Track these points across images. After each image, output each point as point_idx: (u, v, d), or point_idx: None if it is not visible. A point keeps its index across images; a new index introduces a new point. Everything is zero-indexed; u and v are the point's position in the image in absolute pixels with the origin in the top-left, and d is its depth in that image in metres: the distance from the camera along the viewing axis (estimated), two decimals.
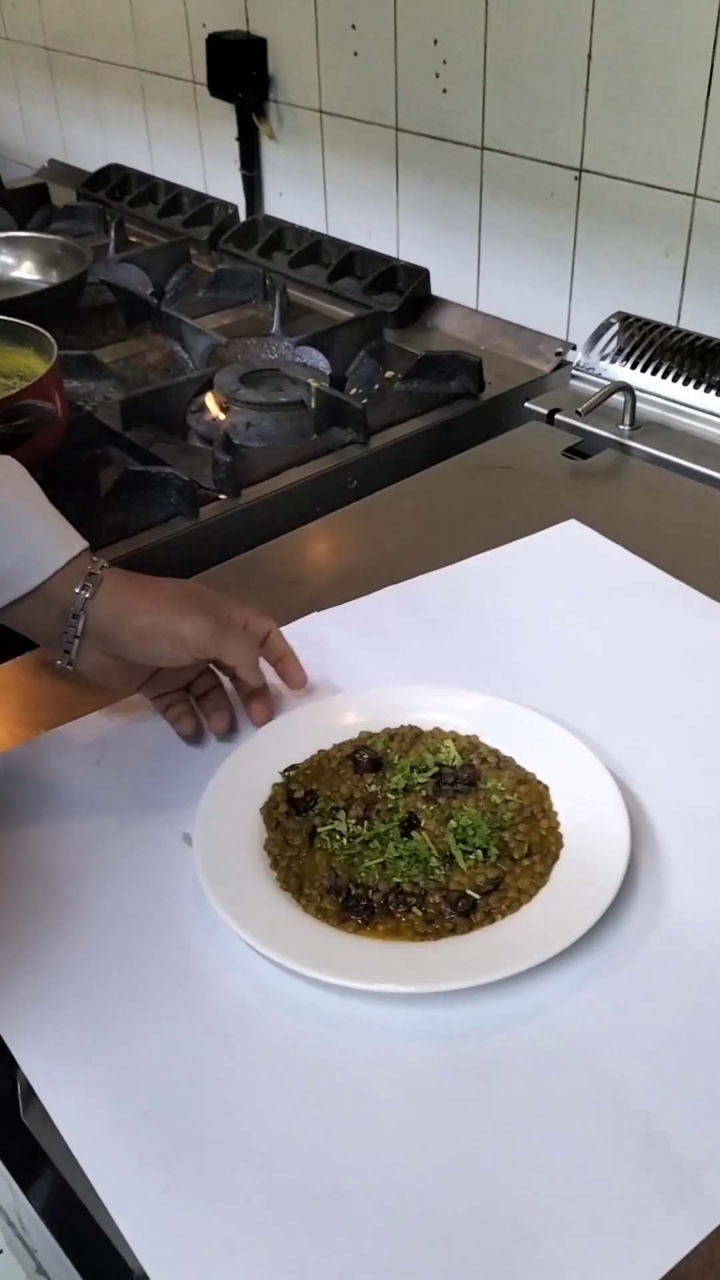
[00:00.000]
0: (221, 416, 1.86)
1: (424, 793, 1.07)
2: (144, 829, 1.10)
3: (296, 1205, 0.79)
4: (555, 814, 1.06)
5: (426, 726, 1.16)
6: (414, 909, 0.96)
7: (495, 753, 1.12)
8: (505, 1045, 0.88)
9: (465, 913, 0.96)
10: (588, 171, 1.89)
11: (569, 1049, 0.87)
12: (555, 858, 1.01)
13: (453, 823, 1.03)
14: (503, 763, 1.11)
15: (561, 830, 1.04)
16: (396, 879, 0.99)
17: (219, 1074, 0.87)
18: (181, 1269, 0.75)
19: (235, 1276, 0.75)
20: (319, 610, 1.38)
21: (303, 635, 1.33)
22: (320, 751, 1.13)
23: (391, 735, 1.14)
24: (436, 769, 1.09)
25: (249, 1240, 0.77)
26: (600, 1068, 0.86)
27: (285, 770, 1.11)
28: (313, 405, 1.81)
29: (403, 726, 1.16)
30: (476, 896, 0.97)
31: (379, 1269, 0.75)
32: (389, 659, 1.30)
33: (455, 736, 1.14)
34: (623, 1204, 0.78)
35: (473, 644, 1.32)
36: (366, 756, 1.10)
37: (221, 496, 1.65)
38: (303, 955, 0.92)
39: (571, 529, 1.53)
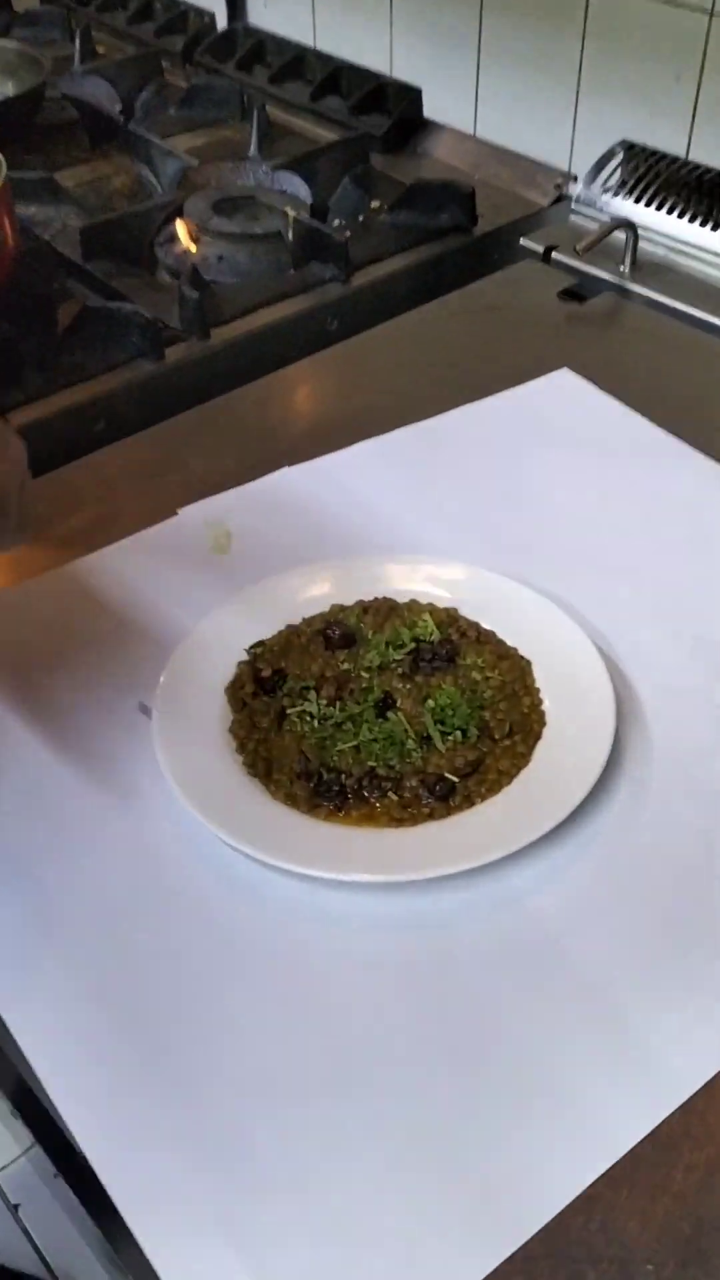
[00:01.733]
0: (192, 248, 1.72)
1: (400, 670, 1.01)
2: (101, 694, 1.05)
3: (256, 1096, 0.77)
4: (538, 691, 1.00)
5: (403, 599, 1.10)
6: (389, 794, 0.92)
7: (475, 626, 1.06)
8: (474, 933, 0.85)
9: (443, 796, 0.92)
10: None
11: (539, 938, 0.85)
12: (537, 737, 0.97)
13: (430, 702, 0.97)
14: (483, 637, 1.05)
15: (544, 708, 0.99)
16: (371, 763, 0.94)
17: (176, 962, 0.84)
18: (135, 1170, 0.73)
19: (193, 1169, 0.73)
20: (290, 464, 1.30)
21: (272, 492, 1.26)
22: (289, 627, 1.07)
23: (365, 608, 1.08)
24: (413, 645, 1.03)
25: (205, 1132, 0.75)
26: (570, 958, 0.83)
27: (251, 647, 1.05)
28: (290, 237, 1.67)
29: (377, 599, 1.09)
30: (455, 780, 0.93)
31: (340, 1161, 0.73)
32: (364, 520, 1.22)
33: (433, 609, 1.08)
34: (588, 1088, 0.76)
35: (454, 505, 1.25)
36: (338, 632, 1.04)
37: (189, 337, 1.54)
38: (271, 844, 0.88)
39: (563, 379, 1.43)
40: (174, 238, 1.72)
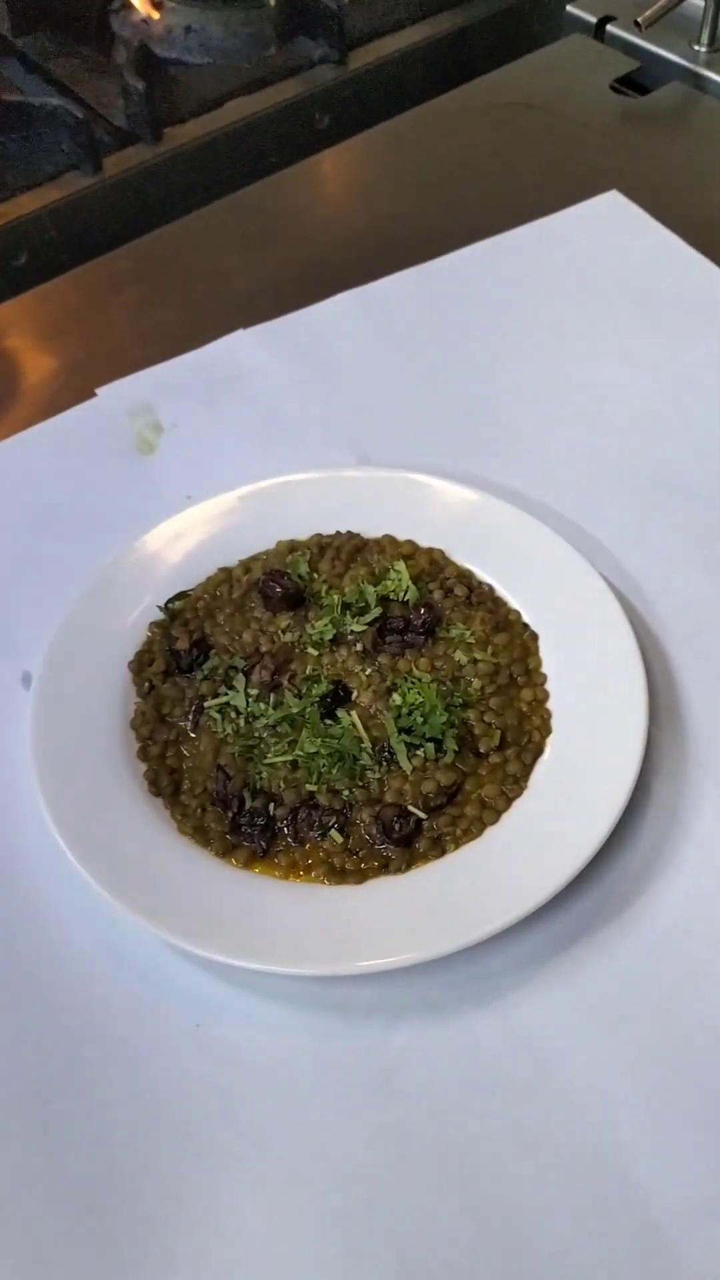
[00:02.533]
0: (153, 14, 1.36)
1: (360, 647, 0.75)
2: None
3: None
4: (543, 680, 0.74)
5: (374, 531, 0.82)
6: (332, 832, 0.68)
7: (466, 579, 0.79)
8: (432, 1059, 0.62)
9: (405, 840, 0.67)
10: None
11: (528, 1060, 0.62)
12: (538, 750, 0.71)
13: (395, 698, 0.71)
14: (476, 595, 0.78)
15: (550, 706, 0.73)
16: (310, 786, 0.69)
17: (40, 1046, 0.64)
18: None
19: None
20: (246, 325, 1.00)
21: (218, 364, 0.97)
22: (221, 571, 0.81)
23: (322, 547, 0.81)
24: (379, 610, 0.76)
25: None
26: (566, 1095, 0.60)
27: (170, 601, 0.79)
28: (273, 1, 1.31)
29: (340, 534, 0.82)
30: (423, 815, 0.68)
31: None
32: (335, 408, 0.94)
33: (412, 551, 0.81)
34: None
35: (453, 384, 0.96)
36: (280, 588, 0.77)
37: (134, 141, 1.21)
38: (162, 905, 0.64)
39: (611, 205, 1.10)
40: (130, 3, 1.35)
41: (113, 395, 0.95)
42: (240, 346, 0.99)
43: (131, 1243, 0.57)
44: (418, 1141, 0.60)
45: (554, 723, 0.72)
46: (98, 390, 0.96)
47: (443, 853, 0.67)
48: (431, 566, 0.79)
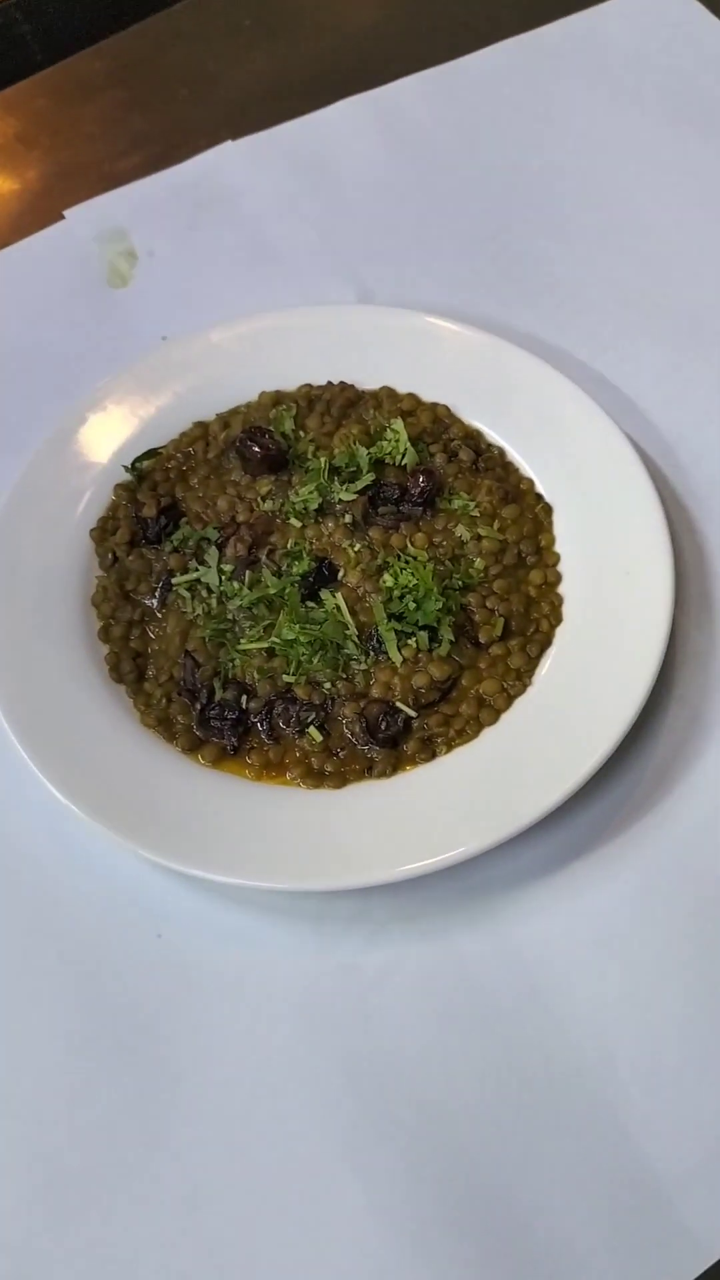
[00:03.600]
0: None
1: (348, 519, 0.66)
2: None
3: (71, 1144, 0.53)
4: (556, 560, 0.66)
5: (371, 382, 0.72)
6: (311, 728, 0.60)
7: (474, 439, 0.70)
8: (412, 983, 0.57)
9: (391, 740, 0.60)
10: None
11: (522, 985, 0.56)
12: (546, 641, 0.63)
13: (386, 579, 0.63)
14: (484, 460, 0.68)
15: (562, 590, 0.65)
16: (288, 677, 0.62)
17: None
18: None
19: None
20: (234, 137, 0.87)
21: (201, 183, 0.86)
22: (196, 427, 0.71)
23: (310, 399, 0.71)
24: (372, 476, 0.67)
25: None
26: (559, 1021, 0.55)
27: (138, 460, 0.70)
28: None
29: (332, 385, 0.72)
30: (412, 713, 0.61)
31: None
32: (330, 235, 0.83)
33: (413, 407, 0.71)
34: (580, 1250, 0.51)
35: (469, 207, 0.85)
36: (261, 449, 0.68)
37: None
38: (120, 808, 0.58)
39: None
40: None
41: (82, 218, 0.84)
42: (227, 161, 0.87)
43: (80, 1170, 0.53)
44: (393, 1076, 0.54)
45: (565, 610, 0.64)
46: (65, 212, 0.85)
47: (433, 756, 0.60)
48: (435, 425, 0.70)
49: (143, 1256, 0.51)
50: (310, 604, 0.64)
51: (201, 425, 0.71)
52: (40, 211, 0.85)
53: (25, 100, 0.94)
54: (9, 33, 1.03)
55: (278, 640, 0.62)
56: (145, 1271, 0.51)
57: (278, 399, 0.72)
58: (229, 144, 0.87)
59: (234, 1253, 0.51)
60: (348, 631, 0.62)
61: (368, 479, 0.67)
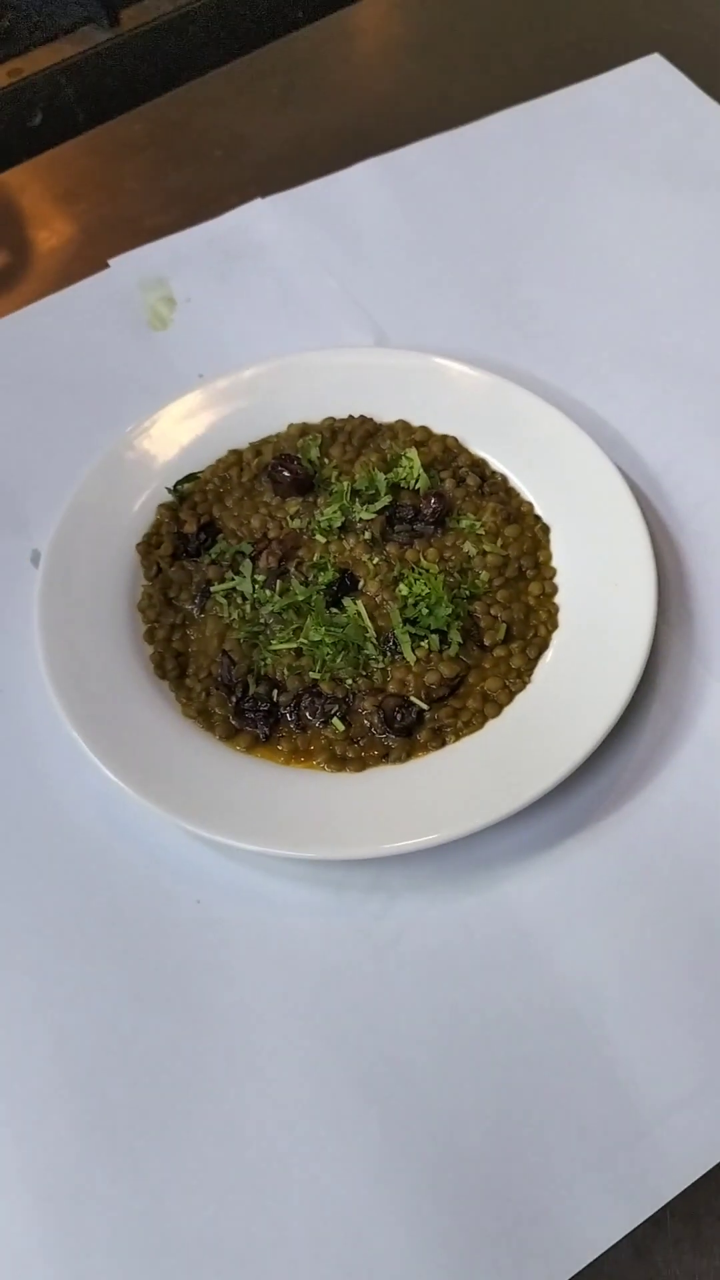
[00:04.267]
0: None
1: (368, 535, 0.74)
2: None
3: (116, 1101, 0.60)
4: (553, 574, 0.74)
5: (388, 415, 0.81)
6: (334, 720, 0.68)
7: (480, 467, 0.78)
8: (424, 941, 0.64)
9: (406, 730, 0.68)
10: None
11: (521, 946, 0.64)
12: (544, 645, 0.71)
13: (402, 588, 0.71)
14: (489, 486, 0.77)
15: (558, 600, 0.73)
16: (314, 673, 0.69)
17: (42, 917, 0.66)
18: None
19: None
20: (263, 194, 0.97)
21: (235, 235, 0.94)
22: (231, 454, 0.80)
23: (334, 431, 0.80)
24: (389, 498, 0.75)
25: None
26: (557, 973, 0.62)
27: (179, 483, 0.78)
28: None
29: (353, 418, 0.80)
30: (424, 707, 0.68)
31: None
32: (350, 284, 0.91)
33: (425, 438, 0.79)
34: (561, 1177, 0.58)
35: (476, 260, 0.93)
36: (290, 473, 0.76)
37: None
38: (164, 787, 0.65)
39: (652, 70, 1.04)
40: None
41: (125, 267, 0.93)
42: (257, 216, 0.96)
43: (126, 1105, 0.60)
44: (407, 1019, 0.61)
45: (561, 618, 0.72)
46: (110, 261, 0.93)
47: (443, 744, 0.68)
48: (444, 454, 0.78)
49: (174, 1188, 0.58)
50: (334, 610, 0.72)
51: (236, 453, 0.80)
52: (86, 260, 0.94)
53: (71, 159, 1.04)
54: (55, 96, 1.13)
55: (305, 641, 0.70)
56: (175, 1207, 0.57)
57: (304, 430, 0.80)
58: (259, 201, 0.96)
59: (263, 1181, 0.58)
60: (367, 634, 0.70)
61: (385, 500, 0.75)
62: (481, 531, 0.74)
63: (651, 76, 1.03)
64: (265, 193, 0.96)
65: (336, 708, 0.69)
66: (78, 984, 0.64)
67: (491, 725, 0.68)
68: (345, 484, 0.76)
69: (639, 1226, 0.57)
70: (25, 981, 0.64)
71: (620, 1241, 0.56)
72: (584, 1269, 0.56)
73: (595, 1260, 0.56)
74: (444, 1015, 0.62)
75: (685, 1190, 0.57)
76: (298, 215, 0.95)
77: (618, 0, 1.11)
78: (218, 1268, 0.56)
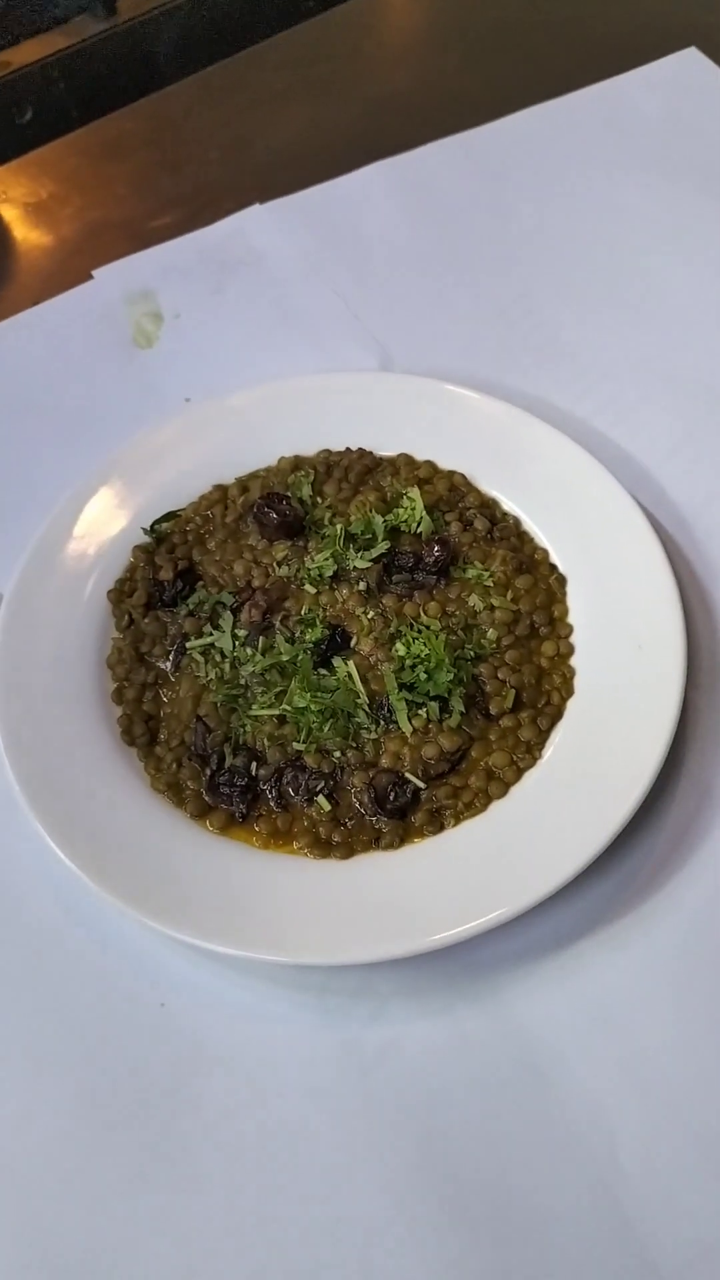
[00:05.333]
0: None
1: (363, 586, 0.67)
2: None
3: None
4: (569, 631, 0.66)
5: (389, 448, 0.73)
6: (319, 797, 0.61)
7: (490, 509, 0.70)
8: (416, 1057, 0.56)
9: (399, 811, 0.60)
10: None
11: (524, 1065, 0.56)
12: (557, 714, 0.63)
13: (399, 648, 0.63)
14: (500, 530, 0.69)
15: (574, 662, 0.65)
16: (298, 745, 0.62)
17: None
18: None
19: None
20: (262, 199, 0.89)
21: (228, 245, 0.87)
22: (216, 490, 0.72)
23: (330, 465, 0.72)
24: (387, 544, 0.67)
25: None
26: (562, 1101, 0.54)
27: (157, 522, 0.70)
28: None
29: (350, 452, 0.73)
30: (421, 785, 0.61)
31: None
32: (353, 301, 0.84)
33: (430, 475, 0.71)
34: None
35: (492, 274, 0.85)
36: (278, 514, 0.68)
37: None
38: (127, 877, 0.58)
39: (687, 64, 0.96)
40: None
41: (111, 279, 0.86)
42: (254, 224, 0.88)
43: (76, 1246, 0.53)
44: (395, 1150, 0.54)
45: (577, 682, 0.64)
46: (94, 272, 0.86)
47: (441, 828, 0.60)
48: (451, 493, 0.70)
49: None
50: (322, 671, 0.64)
51: (221, 489, 0.72)
52: (70, 270, 0.87)
53: (59, 159, 0.96)
54: (47, 90, 1.05)
55: (289, 707, 0.62)
56: None
57: (296, 464, 0.72)
58: (257, 207, 0.89)
59: None
60: (359, 700, 0.63)
61: (383, 547, 0.67)
62: (490, 583, 0.66)
63: (686, 72, 0.95)
64: (265, 198, 0.89)
65: (322, 784, 0.61)
66: (22, 1099, 0.56)
67: (496, 807, 0.61)
68: (339, 527, 0.68)
69: None
70: None
71: None
72: None
73: None
74: (437, 1145, 0.54)
75: None
76: (298, 223, 0.88)
77: None
78: None
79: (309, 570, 0.67)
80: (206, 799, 0.62)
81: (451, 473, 0.72)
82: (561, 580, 0.67)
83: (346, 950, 0.56)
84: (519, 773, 0.61)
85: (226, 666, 0.65)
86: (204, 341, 0.82)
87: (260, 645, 0.65)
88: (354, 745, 0.62)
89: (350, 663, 0.64)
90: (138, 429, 0.75)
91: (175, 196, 0.91)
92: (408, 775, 0.61)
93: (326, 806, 0.61)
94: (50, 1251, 0.53)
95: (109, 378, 0.81)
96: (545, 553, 0.69)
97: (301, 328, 0.82)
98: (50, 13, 1.06)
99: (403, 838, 0.60)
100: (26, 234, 0.92)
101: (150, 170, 0.94)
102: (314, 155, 0.92)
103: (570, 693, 0.64)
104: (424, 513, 0.68)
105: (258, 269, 0.85)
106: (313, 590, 0.67)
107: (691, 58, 0.96)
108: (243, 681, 0.64)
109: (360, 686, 0.63)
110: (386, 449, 0.73)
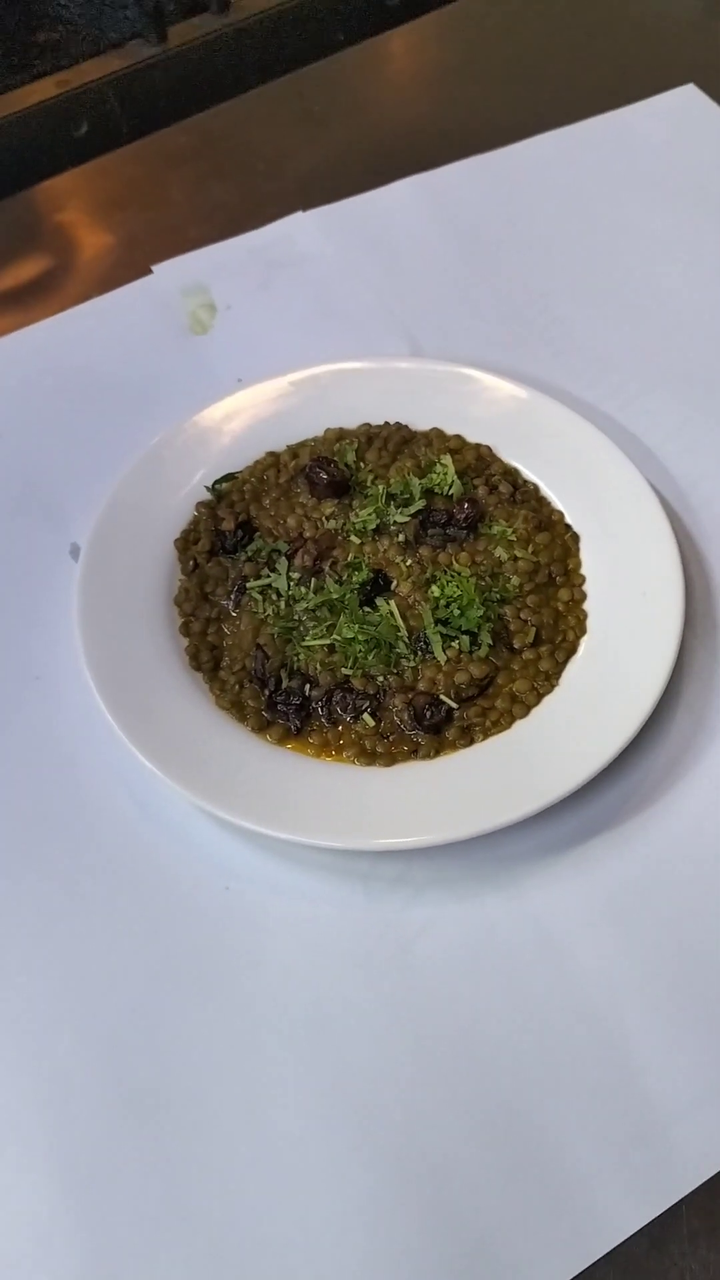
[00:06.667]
0: None
1: (401, 538, 0.76)
2: (26, 523, 0.82)
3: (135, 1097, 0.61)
4: (582, 580, 0.75)
5: (423, 423, 0.82)
6: (365, 715, 0.70)
7: (512, 475, 0.80)
8: (447, 936, 0.65)
9: (434, 728, 0.69)
10: None
11: (542, 944, 0.65)
12: (572, 649, 0.73)
13: (434, 590, 0.73)
14: (521, 494, 0.78)
15: (586, 606, 0.74)
16: (346, 670, 0.71)
17: (75, 906, 0.67)
18: None
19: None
20: (304, 208, 0.99)
21: (275, 246, 0.96)
22: (269, 456, 0.81)
23: (370, 436, 0.81)
24: (423, 503, 0.77)
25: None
26: (575, 979, 0.64)
27: (217, 482, 0.80)
28: None
29: (388, 425, 0.82)
30: (454, 705, 0.70)
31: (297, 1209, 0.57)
32: (387, 297, 0.93)
33: (459, 446, 0.81)
34: (582, 1158, 0.59)
35: (510, 277, 0.95)
36: (326, 475, 0.78)
37: (205, 7, 1.18)
38: (196, 773, 0.67)
39: (686, 100, 1.06)
40: None
41: (168, 273, 0.95)
42: (298, 229, 0.98)
43: (149, 1086, 0.61)
44: (429, 1013, 0.62)
45: (589, 623, 0.73)
46: (153, 267, 0.96)
47: (471, 742, 0.69)
48: (478, 462, 0.80)
49: (193, 1169, 0.59)
50: (367, 609, 0.73)
51: (273, 455, 0.81)
52: (130, 265, 0.96)
53: (118, 167, 1.06)
54: (101, 108, 1.15)
55: (338, 638, 0.72)
56: (195, 1188, 0.58)
57: (341, 435, 0.82)
58: (300, 214, 0.98)
59: (281, 1165, 0.59)
60: (399, 633, 0.72)
61: (419, 505, 0.77)
62: (513, 538, 0.76)
63: (685, 106, 1.06)
64: (307, 206, 0.99)
65: (367, 704, 0.70)
66: (105, 965, 0.65)
67: (519, 726, 0.70)
68: (380, 488, 0.78)
69: (655, 1219, 0.57)
70: (53, 960, 0.65)
71: (636, 1234, 0.57)
72: (600, 1260, 0.56)
73: (611, 1252, 0.57)
74: (464, 1008, 0.63)
75: (702, 1185, 0.58)
76: (337, 229, 0.97)
77: (653, 31, 1.14)
78: (234, 1250, 0.57)
79: (354, 524, 0.76)
80: (265, 715, 0.70)
81: (478, 445, 0.81)
82: (575, 537, 0.77)
83: (387, 838, 0.65)
84: (539, 697, 0.71)
85: (282, 604, 0.74)
86: (253, 330, 0.91)
87: (312, 586, 0.74)
88: (395, 671, 0.71)
89: (391, 602, 0.73)
90: (195, 405, 0.84)
91: (224, 203, 1.01)
92: (442, 697, 0.70)
93: (371, 723, 0.70)
94: (130, 1083, 0.61)
95: (168, 360, 0.90)
96: (561, 514, 0.78)
97: (340, 319, 0.92)
98: (105, 38, 1.16)
99: (437, 750, 0.69)
100: (88, 233, 1.01)
101: (201, 180, 1.04)
102: (350, 169, 1.02)
103: (583, 631, 0.73)
104: (455, 477, 0.78)
105: (301, 268, 0.95)
106: (357, 541, 0.76)
107: (690, 94, 1.06)
108: (296, 617, 0.73)
109: (400, 621, 0.72)
110: (420, 424, 0.82)
